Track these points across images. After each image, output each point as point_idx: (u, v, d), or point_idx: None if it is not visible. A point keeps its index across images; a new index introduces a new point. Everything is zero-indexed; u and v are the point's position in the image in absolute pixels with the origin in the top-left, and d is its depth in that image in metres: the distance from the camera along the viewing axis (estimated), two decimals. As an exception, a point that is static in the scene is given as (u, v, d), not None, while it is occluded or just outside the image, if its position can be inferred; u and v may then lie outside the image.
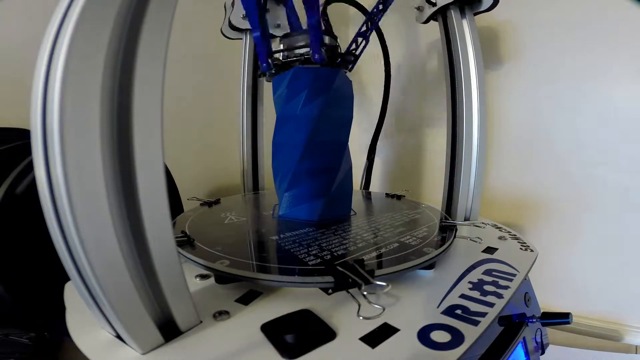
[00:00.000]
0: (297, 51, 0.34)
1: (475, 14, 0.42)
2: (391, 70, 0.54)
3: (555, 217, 0.49)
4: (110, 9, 0.15)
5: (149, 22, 0.16)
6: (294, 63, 0.34)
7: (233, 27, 0.50)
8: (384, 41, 0.52)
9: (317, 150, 0.34)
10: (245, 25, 0.50)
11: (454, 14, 0.41)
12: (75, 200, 0.14)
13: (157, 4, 0.16)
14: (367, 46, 0.37)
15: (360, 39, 0.36)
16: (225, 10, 0.50)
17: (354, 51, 0.36)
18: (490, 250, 0.32)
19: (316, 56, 0.33)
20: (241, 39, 0.52)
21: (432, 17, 0.44)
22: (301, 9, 0.34)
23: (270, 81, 0.37)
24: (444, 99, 0.44)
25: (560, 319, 0.27)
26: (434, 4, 0.42)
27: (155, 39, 0.16)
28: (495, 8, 0.40)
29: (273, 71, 0.35)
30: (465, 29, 0.41)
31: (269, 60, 0.35)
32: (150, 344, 0.18)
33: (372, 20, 0.37)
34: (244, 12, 0.48)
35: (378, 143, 0.58)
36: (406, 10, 0.50)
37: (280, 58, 0.35)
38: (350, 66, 0.37)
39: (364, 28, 0.36)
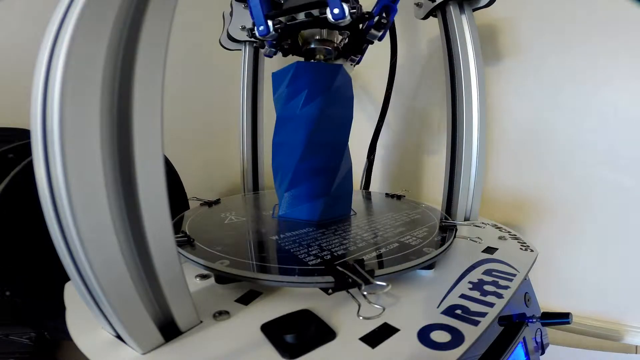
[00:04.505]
0: (308, 11, 0.27)
1: (474, 10, 0.42)
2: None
3: (555, 217, 0.49)
4: (110, 9, 0.15)
5: (149, 22, 0.16)
6: (302, 27, 0.28)
7: (232, 39, 0.50)
8: (395, 35, 0.51)
9: (317, 150, 0.34)
10: (244, 36, 0.49)
11: (453, 10, 0.41)
12: (75, 200, 0.14)
13: (157, 3, 0.16)
14: (369, 48, 0.37)
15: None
16: (224, 20, 0.50)
17: (382, 19, 0.30)
18: (490, 250, 0.32)
19: (336, 11, 0.25)
20: (240, 50, 0.52)
21: (431, 13, 0.44)
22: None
23: (270, 55, 0.34)
24: (444, 99, 0.44)
25: (560, 319, 0.27)
26: (433, 0, 0.42)
27: (155, 38, 0.16)
28: (494, 4, 0.40)
29: (273, 34, 0.29)
30: (464, 25, 0.41)
31: (269, 22, 0.28)
32: (150, 344, 0.18)
33: None
34: (242, 23, 0.48)
35: (378, 143, 0.58)
36: (405, 7, 0.50)
37: (284, 20, 0.29)
38: (359, 58, 0.34)
39: None
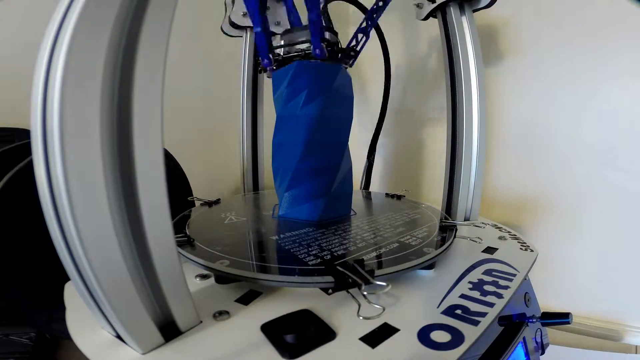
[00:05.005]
0: (298, 47, 0.34)
1: (474, 11, 0.42)
2: (391, 69, 0.54)
3: (555, 217, 0.49)
4: (111, 9, 0.15)
5: (149, 22, 0.16)
6: (294, 59, 0.34)
7: (233, 25, 0.50)
8: (384, 40, 0.52)
9: (317, 150, 0.34)
10: (246, 22, 0.50)
11: (453, 11, 0.41)
12: (75, 200, 0.14)
13: (157, 3, 0.16)
14: (368, 48, 0.37)
15: (360, 35, 0.36)
16: (226, 7, 0.50)
17: (354, 47, 0.36)
18: (490, 250, 0.32)
19: (317, 51, 0.32)
20: (241, 36, 0.52)
21: (432, 14, 0.44)
22: (301, 8, 0.34)
23: (270, 77, 0.37)
24: (444, 99, 0.44)
25: (560, 319, 0.27)
26: (434, 1, 0.42)
27: (155, 38, 0.16)
28: (494, 5, 0.40)
29: (274, 67, 0.35)
30: (464, 25, 0.41)
31: (270, 56, 0.35)
32: (150, 344, 0.18)
33: (372, 17, 0.37)
34: (244, 9, 0.48)
35: (378, 143, 0.58)
36: (406, 8, 0.50)
37: (281, 54, 0.35)
38: (350, 62, 0.37)
39: (364, 24, 0.36)
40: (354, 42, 0.36)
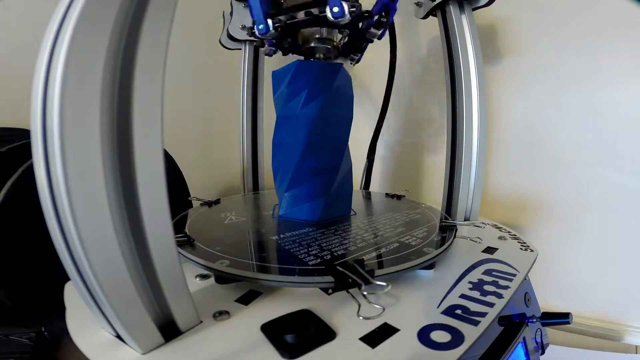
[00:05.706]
0: (307, 10, 0.27)
1: (474, 9, 0.42)
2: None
3: (555, 217, 0.49)
4: (110, 9, 0.15)
5: (149, 22, 0.16)
6: (301, 25, 0.28)
7: (232, 38, 0.50)
8: (394, 35, 0.51)
9: (317, 150, 0.34)
10: (244, 36, 0.49)
11: (452, 10, 0.41)
12: (75, 200, 0.14)
13: (157, 3, 0.16)
14: (368, 48, 0.37)
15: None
16: (224, 20, 0.50)
17: (382, 18, 0.29)
18: (490, 250, 0.32)
19: (335, 9, 0.25)
20: (240, 49, 0.52)
21: (431, 12, 0.44)
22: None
23: (270, 54, 0.34)
24: (444, 98, 0.44)
25: (560, 319, 0.27)
26: (433, 0, 0.42)
27: (155, 38, 0.16)
28: (494, 3, 0.40)
29: (273, 33, 0.29)
30: (464, 24, 0.41)
31: (268, 21, 0.28)
32: (150, 344, 0.18)
33: None
34: (242, 22, 0.47)
35: (378, 143, 0.58)
36: (405, 7, 0.50)
37: (284, 19, 0.29)
38: (358, 56, 0.35)
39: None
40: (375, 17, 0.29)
